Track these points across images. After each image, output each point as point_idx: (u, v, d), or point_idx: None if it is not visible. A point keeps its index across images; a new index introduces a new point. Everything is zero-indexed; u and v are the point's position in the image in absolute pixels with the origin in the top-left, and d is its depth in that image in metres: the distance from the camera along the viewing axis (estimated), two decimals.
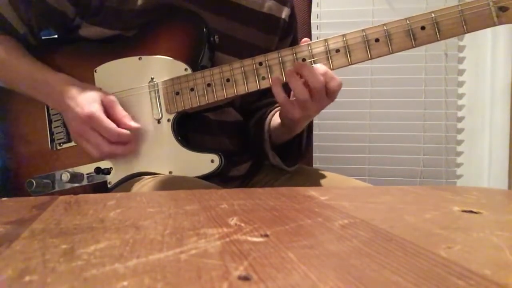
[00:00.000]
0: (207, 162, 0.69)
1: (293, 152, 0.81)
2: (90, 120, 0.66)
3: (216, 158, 0.69)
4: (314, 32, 1.20)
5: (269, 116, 0.80)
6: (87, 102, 0.67)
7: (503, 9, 0.62)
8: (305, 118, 0.70)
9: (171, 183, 0.66)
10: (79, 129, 0.68)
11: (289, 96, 0.68)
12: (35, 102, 0.75)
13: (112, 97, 0.69)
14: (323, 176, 0.80)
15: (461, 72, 1.49)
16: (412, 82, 1.48)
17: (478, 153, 1.49)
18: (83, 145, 0.69)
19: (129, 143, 0.69)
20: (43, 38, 0.79)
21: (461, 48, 1.48)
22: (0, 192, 0.78)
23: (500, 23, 0.63)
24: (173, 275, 0.21)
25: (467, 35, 1.46)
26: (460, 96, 1.49)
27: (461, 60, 1.48)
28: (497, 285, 0.20)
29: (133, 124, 0.68)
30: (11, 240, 0.28)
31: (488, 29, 1.50)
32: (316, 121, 1.39)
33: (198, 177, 0.68)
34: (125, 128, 0.68)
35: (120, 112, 0.69)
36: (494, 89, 1.46)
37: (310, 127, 0.83)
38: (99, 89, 0.71)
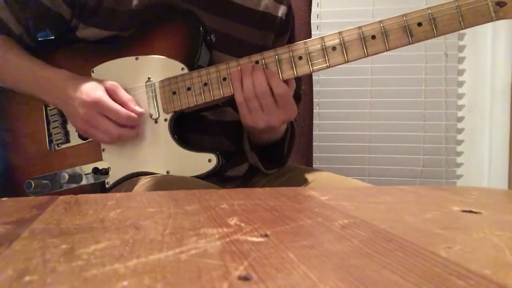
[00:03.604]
0: (204, 162, 0.69)
1: (274, 157, 0.82)
2: (97, 105, 0.67)
3: (213, 157, 0.69)
4: (314, 32, 1.21)
5: None
6: (91, 89, 0.68)
7: (500, 4, 0.61)
8: (256, 129, 0.70)
9: (168, 183, 0.66)
10: (87, 115, 0.67)
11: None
12: (33, 103, 0.75)
13: (114, 83, 0.70)
14: (323, 176, 0.80)
15: (461, 72, 1.49)
16: (412, 82, 1.48)
17: (478, 153, 1.49)
18: (91, 133, 0.69)
19: (136, 126, 0.70)
20: (40, 39, 0.79)
21: (461, 48, 1.48)
22: (0, 192, 0.78)
23: (498, 19, 0.62)
24: (173, 275, 0.21)
25: (467, 35, 1.47)
26: (460, 96, 1.49)
27: (461, 60, 1.48)
28: (497, 285, 0.20)
29: (138, 108, 0.69)
30: (11, 240, 0.28)
31: (488, 29, 1.51)
32: (316, 121, 1.39)
33: (196, 176, 0.68)
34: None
35: (125, 96, 0.69)
36: (494, 89, 1.46)
37: (293, 135, 0.82)
38: (99, 79, 0.71)
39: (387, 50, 0.66)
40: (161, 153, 0.71)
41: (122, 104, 0.68)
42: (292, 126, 0.82)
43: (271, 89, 0.66)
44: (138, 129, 0.70)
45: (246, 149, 0.80)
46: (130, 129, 0.69)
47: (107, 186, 0.72)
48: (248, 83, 0.66)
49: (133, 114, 0.68)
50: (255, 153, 0.80)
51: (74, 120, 0.70)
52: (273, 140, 0.80)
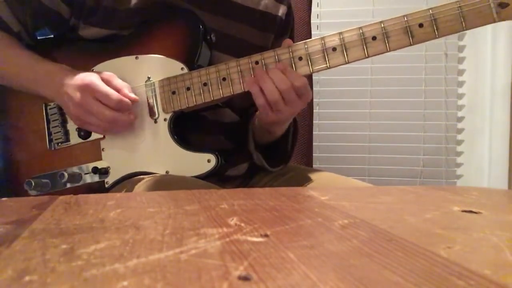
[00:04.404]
0: (203, 162, 0.69)
1: (279, 154, 0.82)
2: (89, 88, 0.67)
3: (212, 157, 0.68)
4: (314, 32, 1.20)
5: (254, 117, 0.81)
6: (85, 75, 0.68)
7: (502, 5, 0.61)
8: (280, 122, 0.72)
9: (168, 183, 0.66)
10: (80, 99, 0.67)
11: None
12: (33, 102, 0.75)
13: (111, 73, 0.69)
14: (323, 176, 0.80)
15: (461, 72, 1.49)
16: (412, 82, 1.48)
17: (478, 153, 1.49)
18: (85, 118, 0.69)
19: (130, 113, 0.69)
20: (39, 38, 0.79)
21: (461, 48, 1.48)
22: (0, 192, 0.78)
23: (500, 20, 0.62)
24: (173, 275, 0.21)
25: (467, 35, 1.47)
26: (460, 96, 1.50)
27: (461, 60, 1.48)
28: (497, 285, 0.20)
29: (131, 95, 0.69)
30: (11, 240, 0.28)
31: (488, 29, 1.51)
32: (316, 121, 1.39)
33: (195, 177, 0.68)
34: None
35: (119, 83, 0.69)
36: (494, 89, 1.46)
37: (295, 130, 0.83)
38: (96, 71, 0.71)
39: (387, 51, 0.66)
40: (161, 153, 0.71)
41: (116, 90, 0.68)
42: (295, 121, 0.82)
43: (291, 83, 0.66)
44: (132, 116, 0.70)
45: (251, 149, 0.80)
46: (123, 114, 0.68)
47: (106, 185, 0.72)
48: (270, 86, 0.66)
49: (125, 99, 0.68)
50: (259, 152, 0.80)
51: (69, 108, 0.70)
52: (278, 136, 0.80)
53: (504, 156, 1.46)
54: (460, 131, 1.50)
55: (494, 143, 1.47)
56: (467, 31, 1.44)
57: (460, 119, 1.50)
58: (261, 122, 0.75)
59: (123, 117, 0.69)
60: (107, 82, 0.68)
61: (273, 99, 0.66)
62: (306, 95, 0.68)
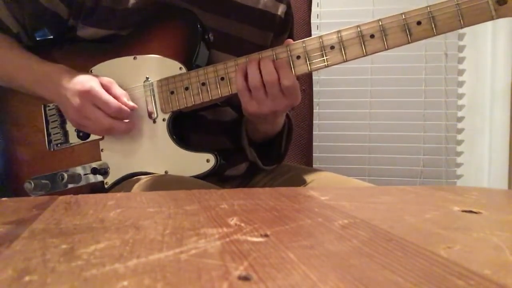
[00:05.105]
0: (202, 162, 0.69)
1: (272, 153, 0.82)
2: (89, 94, 0.66)
3: (211, 157, 0.68)
4: (314, 32, 1.21)
5: None
6: (85, 80, 0.68)
7: (500, 2, 0.61)
8: (262, 117, 0.70)
9: (167, 183, 0.66)
10: (79, 105, 0.67)
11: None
12: (32, 103, 0.75)
13: (110, 79, 0.69)
14: (323, 176, 0.80)
15: (461, 72, 1.49)
16: (412, 82, 1.48)
17: (478, 153, 1.49)
18: (83, 123, 0.69)
19: (128, 121, 0.69)
20: (38, 39, 0.79)
21: (461, 48, 1.48)
22: (0, 192, 0.78)
23: (498, 17, 0.62)
24: (173, 275, 0.21)
25: (467, 35, 1.47)
26: (460, 96, 1.50)
27: (461, 60, 1.48)
28: (497, 285, 0.20)
29: (130, 103, 0.69)
30: (11, 240, 0.28)
31: (489, 29, 1.50)
32: (316, 121, 1.39)
33: (194, 176, 0.68)
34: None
35: (119, 90, 0.69)
36: (494, 89, 1.46)
37: (290, 130, 0.83)
38: (96, 74, 0.71)
39: (386, 49, 0.65)
40: (160, 153, 0.71)
41: (116, 98, 0.68)
42: (289, 119, 0.82)
43: (279, 79, 0.66)
44: (130, 124, 0.70)
45: (244, 144, 0.80)
46: (121, 122, 0.69)
47: (106, 186, 0.72)
48: (254, 70, 0.66)
49: (124, 107, 0.68)
50: (253, 149, 0.80)
51: (67, 112, 0.70)
52: (271, 135, 0.79)
53: (504, 156, 1.46)
54: (460, 131, 1.50)
55: (494, 143, 1.47)
56: (467, 31, 1.46)
57: (460, 119, 1.50)
58: (245, 113, 0.73)
59: (121, 125, 0.69)
60: (106, 88, 0.68)
61: (253, 84, 0.66)
62: (293, 95, 0.67)
